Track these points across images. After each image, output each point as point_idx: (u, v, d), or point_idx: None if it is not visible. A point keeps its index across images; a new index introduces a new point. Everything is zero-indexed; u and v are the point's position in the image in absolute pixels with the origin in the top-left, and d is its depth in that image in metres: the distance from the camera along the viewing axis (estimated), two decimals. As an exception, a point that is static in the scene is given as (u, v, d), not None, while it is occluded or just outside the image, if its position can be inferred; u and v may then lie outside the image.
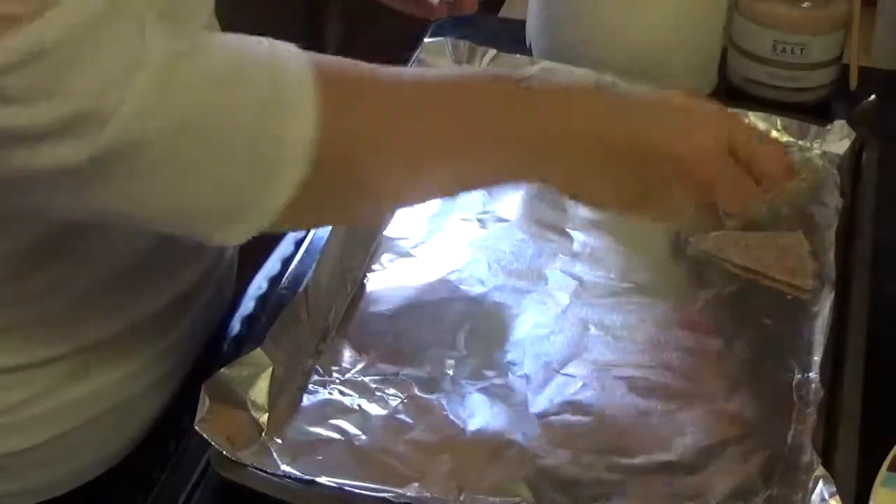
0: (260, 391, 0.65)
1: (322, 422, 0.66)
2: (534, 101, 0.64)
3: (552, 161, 0.65)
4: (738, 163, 0.66)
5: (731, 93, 0.96)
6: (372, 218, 0.71)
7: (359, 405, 0.67)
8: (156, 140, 0.55)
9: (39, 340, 0.68)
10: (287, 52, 0.60)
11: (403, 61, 0.91)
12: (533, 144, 0.64)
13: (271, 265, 0.87)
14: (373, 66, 0.63)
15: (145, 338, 0.73)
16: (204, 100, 0.56)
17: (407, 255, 0.78)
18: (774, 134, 0.89)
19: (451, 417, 0.67)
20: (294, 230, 0.80)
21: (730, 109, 0.88)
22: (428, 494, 0.62)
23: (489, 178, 0.67)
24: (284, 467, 0.63)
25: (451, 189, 0.68)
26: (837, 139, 0.88)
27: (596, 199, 0.68)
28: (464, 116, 0.63)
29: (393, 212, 0.78)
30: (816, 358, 0.71)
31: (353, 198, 0.62)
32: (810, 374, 0.70)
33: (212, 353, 0.81)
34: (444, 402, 0.68)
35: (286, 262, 0.80)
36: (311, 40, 1.37)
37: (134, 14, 0.55)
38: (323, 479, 0.62)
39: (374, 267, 0.77)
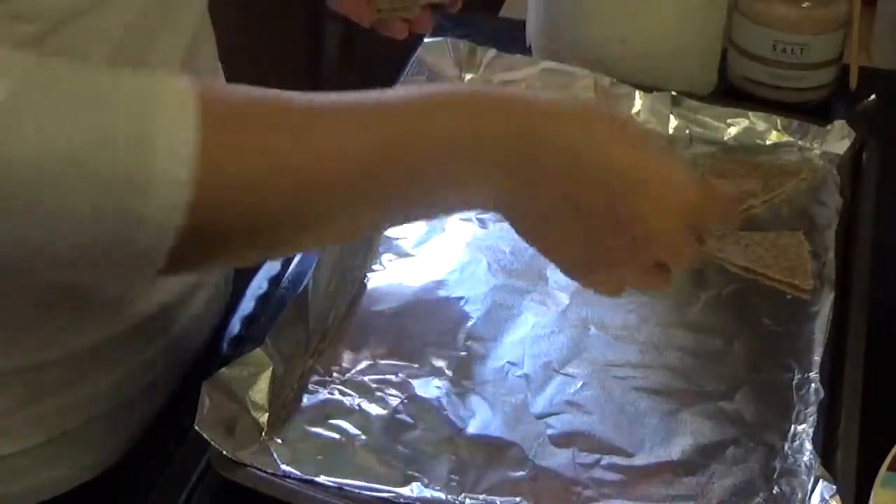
0: (260, 391, 0.65)
1: (322, 422, 0.66)
2: (491, 104, 0.58)
3: (506, 183, 0.59)
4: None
5: (731, 93, 0.96)
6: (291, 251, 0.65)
7: (359, 405, 0.67)
8: None
9: (27, 346, 0.68)
10: (164, 84, 0.53)
11: (404, 61, 0.91)
12: (484, 157, 0.58)
13: (271, 265, 0.87)
14: (283, 94, 0.57)
15: (133, 345, 0.73)
16: (41, 139, 0.50)
17: (407, 255, 0.78)
18: (774, 134, 0.89)
19: (451, 417, 0.67)
20: (201, 271, 0.70)
21: (730, 110, 0.90)
22: (428, 495, 0.62)
23: (427, 206, 0.61)
24: (284, 467, 0.63)
25: (380, 223, 0.62)
26: (837, 139, 0.88)
27: (552, 252, 0.63)
28: (393, 134, 0.57)
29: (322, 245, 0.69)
30: (816, 358, 0.71)
31: (254, 242, 0.57)
32: (810, 373, 0.70)
33: (212, 353, 0.81)
34: (443, 402, 0.68)
35: (286, 262, 0.79)
36: (311, 41, 1.37)
37: None
38: (323, 479, 0.62)
39: (374, 267, 0.77)
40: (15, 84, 0.50)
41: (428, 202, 0.60)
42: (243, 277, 0.85)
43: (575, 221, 0.60)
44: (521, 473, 0.64)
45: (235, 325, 0.83)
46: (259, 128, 0.55)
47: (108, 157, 0.51)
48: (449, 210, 0.64)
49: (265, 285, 0.85)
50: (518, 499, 0.62)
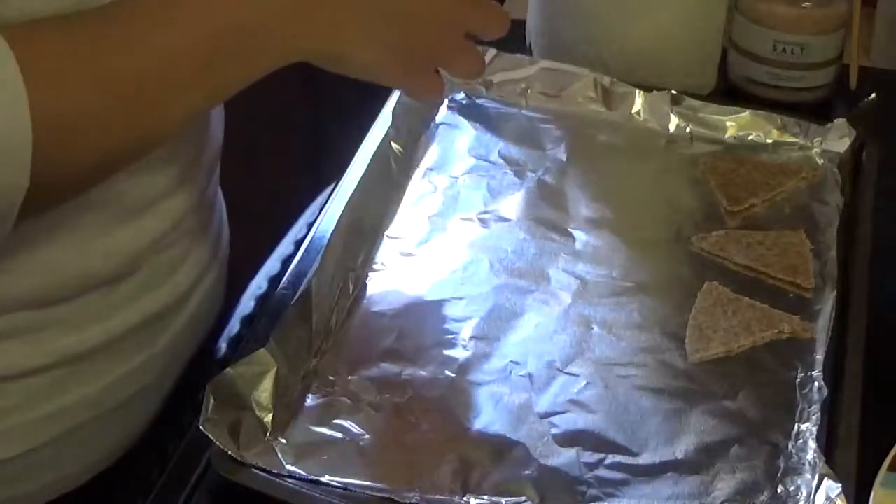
0: (264, 391, 0.65)
1: (326, 422, 0.66)
2: None
3: (292, 27, 0.64)
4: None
5: (731, 93, 0.96)
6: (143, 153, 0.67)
7: (363, 405, 0.67)
8: None
9: (17, 352, 0.68)
10: None
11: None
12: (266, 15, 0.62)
13: (271, 265, 0.87)
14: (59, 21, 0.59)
15: (127, 350, 0.72)
16: None
17: (409, 254, 0.78)
18: (775, 133, 0.89)
19: (455, 417, 0.67)
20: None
21: (731, 108, 0.90)
22: (433, 494, 0.62)
23: (244, 73, 0.64)
24: (289, 467, 0.63)
25: (209, 103, 0.66)
26: (838, 137, 0.88)
27: (370, 67, 0.68)
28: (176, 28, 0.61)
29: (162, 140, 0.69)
30: (819, 356, 0.71)
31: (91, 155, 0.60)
32: (813, 372, 0.70)
33: (209, 353, 0.81)
34: (447, 402, 0.67)
35: (286, 262, 0.79)
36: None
37: None
38: (327, 479, 0.62)
39: (375, 267, 0.77)
40: None
41: (241, 70, 0.63)
42: (241, 278, 0.85)
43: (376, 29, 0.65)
44: (525, 473, 0.63)
45: (235, 325, 0.83)
46: (74, 63, 0.58)
47: None
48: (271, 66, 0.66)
49: (265, 285, 0.85)
50: (523, 498, 0.62)
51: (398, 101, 0.87)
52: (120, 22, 0.60)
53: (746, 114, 0.89)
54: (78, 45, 0.59)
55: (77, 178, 0.61)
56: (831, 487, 0.61)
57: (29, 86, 0.55)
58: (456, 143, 0.88)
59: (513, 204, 0.82)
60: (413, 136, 0.87)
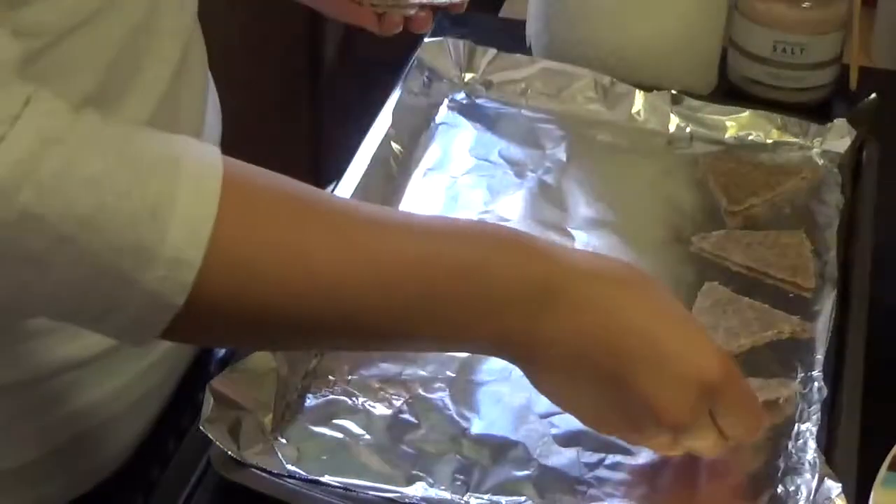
0: (264, 391, 0.65)
1: (326, 422, 0.66)
2: (510, 284, 0.58)
3: (513, 357, 0.60)
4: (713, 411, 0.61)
5: (731, 93, 0.96)
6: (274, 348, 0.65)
7: (363, 405, 0.67)
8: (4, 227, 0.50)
9: (23, 360, 0.68)
10: (191, 156, 0.53)
11: (404, 61, 0.91)
12: (492, 339, 0.59)
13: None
14: (316, 193, 0.57)
15: (126, 358, 0.72)
16: (64, 200, 0.51)
17: (409, 254, 0.78)
18: (775, 133, 0.89)
19: (455, 417, 0.67)
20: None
21: (731, 108, 0.90)
22: (433, 494, 0.62)
23: (434, 339, 0.61)
24: (289, 467, 0.63)
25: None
26: (838, 137, 0.88)
27: (572, 411, 0.62)
28: (417, 289, 0.57)
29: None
30: (819, 356, 0.71)
31: (256, 335, 0.58)
32: (813, 372, 0.70)
33: (208, 354, 0.81)
34: (447, 401, 0.67)
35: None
36: (311, 41, 1.37)
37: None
38: (327, 479, 0.62)
39: (376, 267, 0.77)
40: (69, 151, 0.51)
41: (436, 334, 0.59)
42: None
43: (588, 384, 0.59)
44: (525, 473, 0.64)
45: (235, 326, 0.82)
46: (280, 221, 0.55)
47: (120, 225, 0.51)
48: (458, 348, 0.64)
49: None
50: (523, 498, 0.62)
51: (398, 101, 0.87)
52: (345, 220, 0.57)
53: (746, 114, 0.89)
54: (292, 212, 0.56)
55: (226, 329, 0.58)
56: (831, 487, 0.61)
57: (221, 215, 0.53)
58: (456, 143, 0.88)
59: (513, 204, 0.82)
60: (413, 136, 0.87)
